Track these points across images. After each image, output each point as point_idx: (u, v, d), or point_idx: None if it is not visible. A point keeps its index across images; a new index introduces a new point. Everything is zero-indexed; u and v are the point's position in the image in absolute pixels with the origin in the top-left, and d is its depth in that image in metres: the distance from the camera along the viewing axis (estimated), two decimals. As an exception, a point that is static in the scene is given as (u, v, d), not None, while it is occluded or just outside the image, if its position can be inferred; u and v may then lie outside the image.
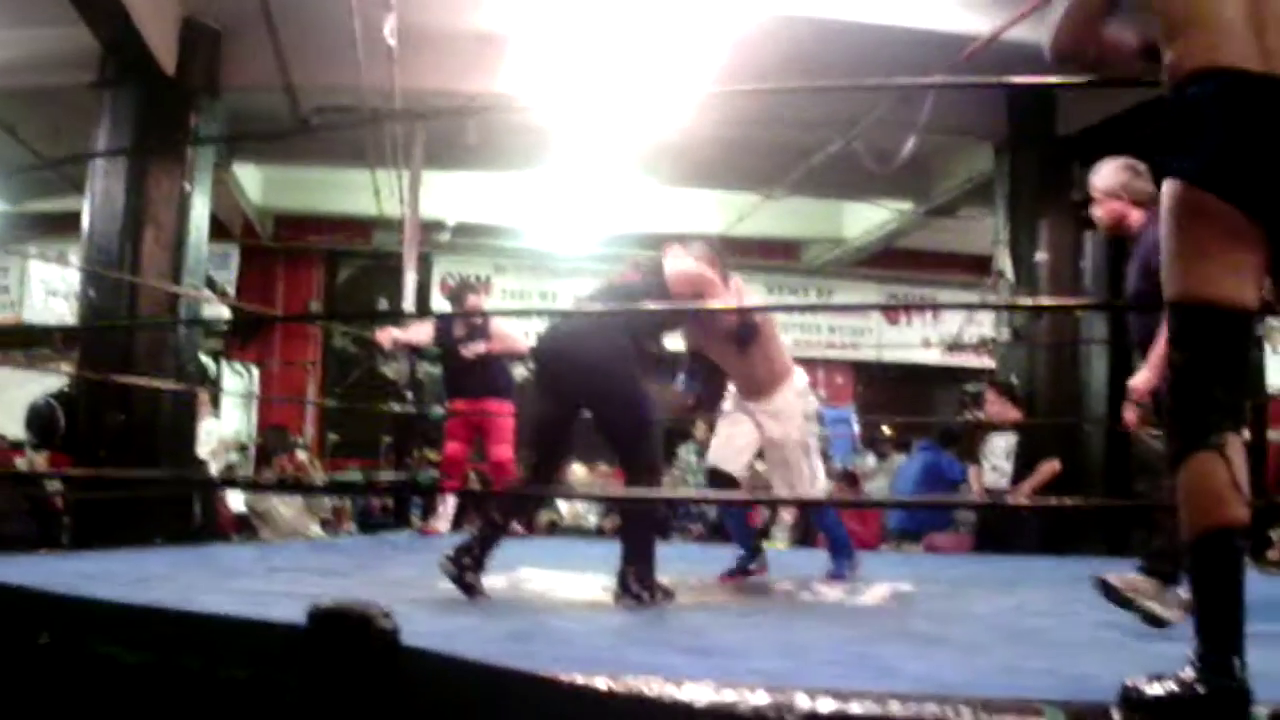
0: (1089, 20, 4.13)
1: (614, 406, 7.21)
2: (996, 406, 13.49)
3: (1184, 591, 5.76)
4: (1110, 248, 14.59)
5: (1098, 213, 6.73)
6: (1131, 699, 3.54)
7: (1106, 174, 6.67)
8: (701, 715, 3.40)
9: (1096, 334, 14.51)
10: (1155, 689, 3.50)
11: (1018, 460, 12.87)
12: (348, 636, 3.61)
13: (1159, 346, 5.91)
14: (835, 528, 9.25)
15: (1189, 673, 3.50)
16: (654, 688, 3.48)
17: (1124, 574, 5.79)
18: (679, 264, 7.81)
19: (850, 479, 16.70)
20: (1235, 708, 3.42)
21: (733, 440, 8.54)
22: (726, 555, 8.80)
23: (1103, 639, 5.63)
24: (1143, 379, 6.29)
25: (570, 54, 13.35)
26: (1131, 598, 5.77)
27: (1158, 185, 6.03)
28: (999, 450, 13.24)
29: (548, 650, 4.64)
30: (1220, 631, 3.47)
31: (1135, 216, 6.53)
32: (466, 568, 6.99)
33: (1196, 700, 3.44)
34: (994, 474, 13.17)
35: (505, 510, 7.43)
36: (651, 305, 7.37)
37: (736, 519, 9.46)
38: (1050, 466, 12.55)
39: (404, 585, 7.39)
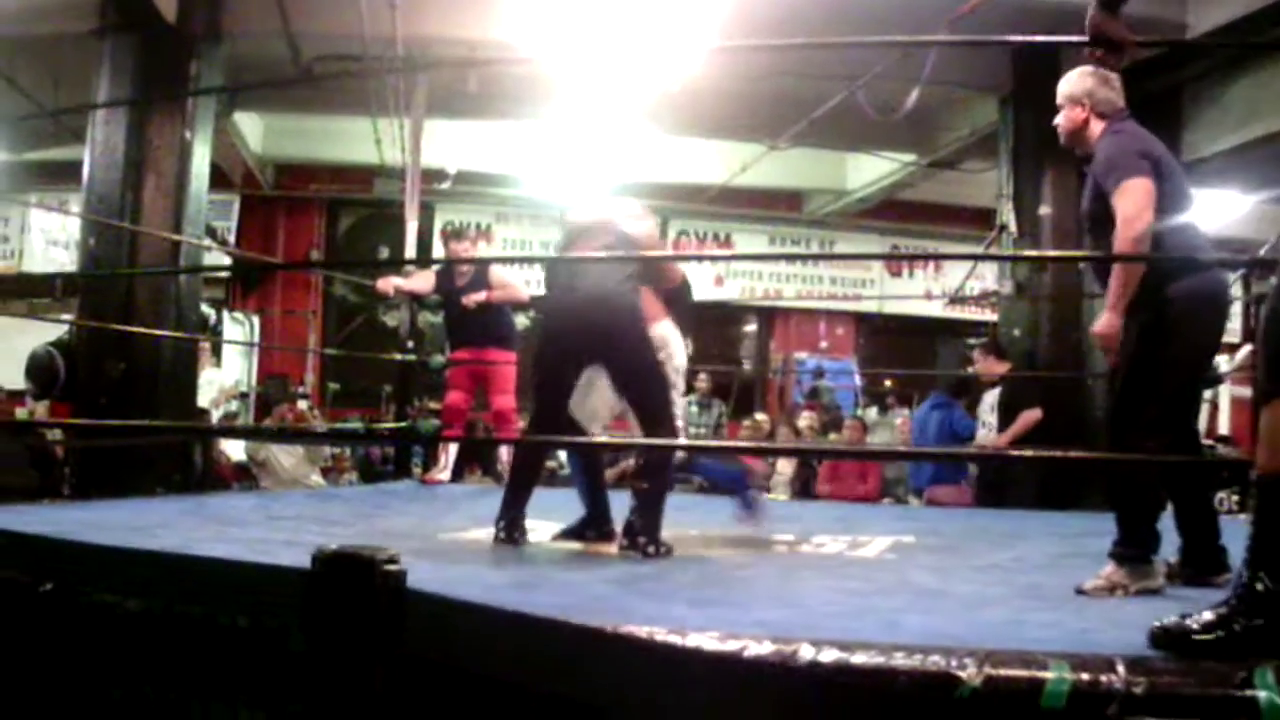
0: None
1: (635, 361, 7.31)
2: (983, 364, 13.48)
3: (1160, 562, 5.76)
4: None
5: (1059, 120, 6.40)
6: (1167, 637, 3.56)
7: (1074, 80, 6.31)
8: (705, 663, 3.39)
9: (1099, 287, 14.49)
10: (1192, 626, 3.53)
11: (1001, 411, 12.86)
12: (354, 580, 3.61)
13: (1118, 277, 5.81)
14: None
15: (1225, 609, 3.52)
16: (658, 635, 3.47)
17: (1099, 574, 5.69)
18: (645, 224, 7.86)
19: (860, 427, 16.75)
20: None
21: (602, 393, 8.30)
22: (730, 507, 8.74)
23: (1106, 590, 5.62)
24: (1105, 322, 5.91)
25: (572, 1, 13.30)
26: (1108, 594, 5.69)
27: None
28: (986, 405, 13.26)
29: (549, 599, 4.63)
30: None
31: (1096, 128, 6.19)
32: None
33: (1247, 630, 3.47)
34: (983, 429, 13.18)
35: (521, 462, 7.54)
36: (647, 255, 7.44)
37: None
38: (1031, 415, 12.49)
39: (405, 535, 7.38)
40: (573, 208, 8.26)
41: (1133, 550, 5.60)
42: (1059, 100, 6.37)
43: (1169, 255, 5.72)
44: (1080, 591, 5.50)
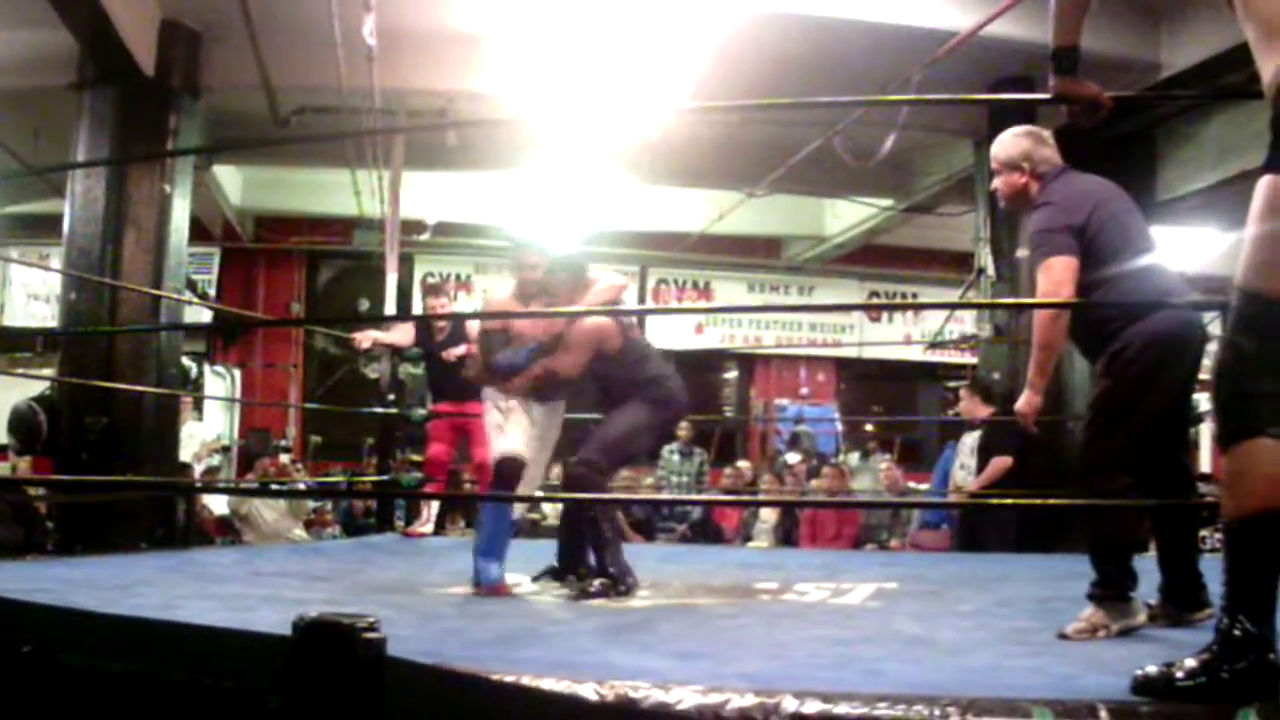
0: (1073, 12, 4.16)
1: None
2: (968, 404, 13.50)
3: (1139, 601, 5.77)
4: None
5: (997, 184, 6.34)
6: (1151, 686, 3.57)
7: (1009, 144, 6.27)
8: (689, 719, 3.40)
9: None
10: (1176, 673, 3.55)
11: (979, 456, 12.89)
12: (334, 648, 3.60)
13: (1034, 358, 6.01)
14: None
15: (1208, 655, 3.54)
16: (642, 692, 3.48)
17: (1079, 616, 5.69)
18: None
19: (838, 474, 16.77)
20: (1269, 677, 3.50)
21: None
22: (714, 555, 8.75)
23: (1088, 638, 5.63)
24: (1024, 401, 6.12)
25: (550, 53, 13.37)
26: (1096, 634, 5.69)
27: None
28: (966, 448, 13.28)
29: (534, 655, 4.64)
30: (1258, 605, 3.55)
31: (1035, 189, 6.19)
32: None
33: (1232, 675, 3.49)
34: (962, 472, 13.20)
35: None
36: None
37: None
38: (1001, 462, 12.52)
39: (388, 589, 7.38)
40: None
41: (1110, 590, 5.62)
42: (995, 166, 6.34)
43: (1136, 303, 5.78)
44: (1063, 636, 5.51)
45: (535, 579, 8.09)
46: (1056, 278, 5.78)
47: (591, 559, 7.79)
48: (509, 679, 3.67)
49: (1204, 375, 5.10)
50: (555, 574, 8.10)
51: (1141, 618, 5.63)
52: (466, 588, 7.68)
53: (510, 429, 7.58)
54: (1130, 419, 5.77)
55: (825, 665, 4.60)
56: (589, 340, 7.80)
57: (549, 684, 3.62)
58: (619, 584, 7.51)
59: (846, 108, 13.37)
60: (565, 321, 7.77)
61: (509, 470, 7.59)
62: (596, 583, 7.56)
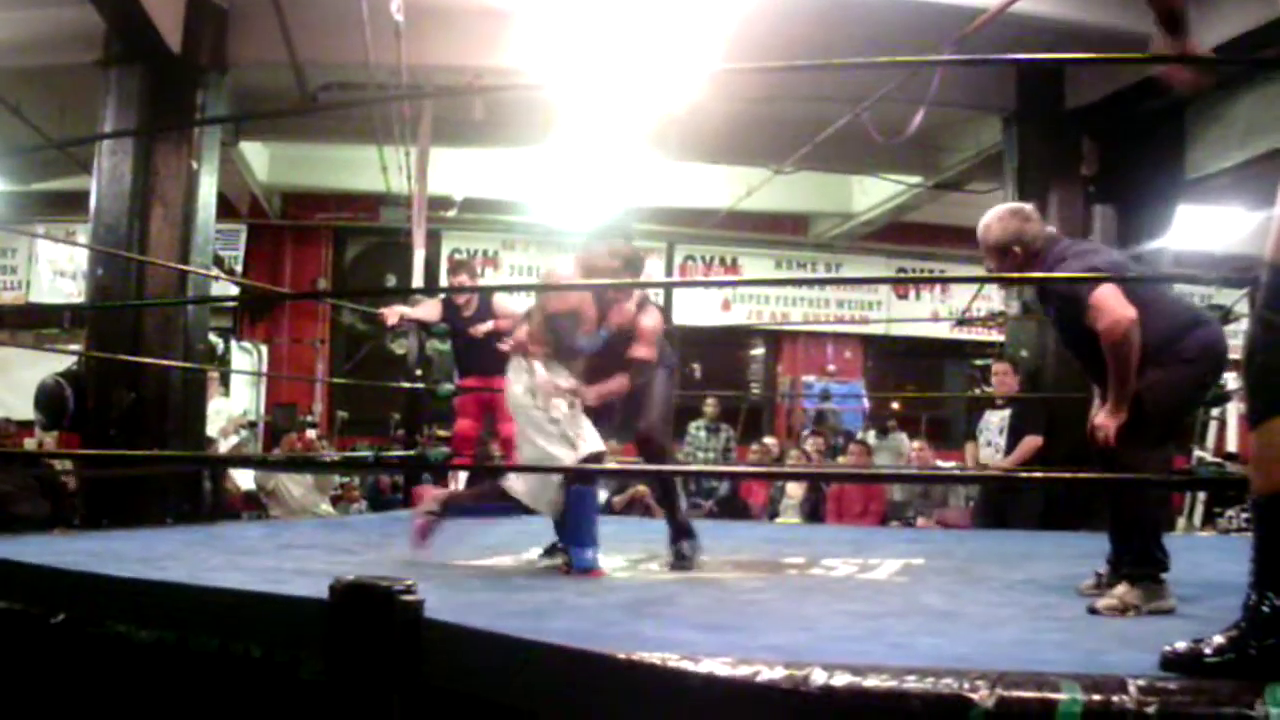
0: None
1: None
2: (1008, 380, 13.43)
3: (1170, 586, 5.78)
4: (1120, 221, 14.61)
5: (992, 265, 6.47)
6: (1179, 662, 3.56)
7: (996, 229, 6.32)
8: (718, 688, 3.40)
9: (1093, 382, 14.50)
10: (1204, 649, 3.53)
11: (1010, 436, 12.85)
12: (372, 609, 3.62)
13: (1114, 375, 5.85)
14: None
15: (1235, 632, 3.53)
16: (672, 661, 3.48)
17: (1111, 594, 5.72)
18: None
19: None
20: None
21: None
22: (741, 530, 8.76)
23: (1118, 611, 5.62)
24: (1110, 414, 5.93)
25: (576, 27, 13.34)
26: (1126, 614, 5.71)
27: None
28: (993, 426, 13.24)
29: (561, 625, 4.64)
30: None
31: (1034, 264, 6.24)
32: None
33: (1260, 651, 3.48)
34: (989, 449, 13.15)
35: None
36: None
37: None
38: (1033, 441, 12.50)
39: (415, 563, 7.38)
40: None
41: (1145, 570, 5.63)
42: (985, 251, 6.40)
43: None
44: (1093, 611, 5.52)
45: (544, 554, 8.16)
46: (1110, 302, 5.73)
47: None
48: (544, 641, 3.68)
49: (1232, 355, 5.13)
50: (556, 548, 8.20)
51: (1172, 602, 5.62)
52: (493, 560, 7.72)
53: (585, 430, 7.55)
54: (1174, 413, 6.07)
55: (854, 638, 4.59)
56: (658, 331, 8.07)
57: (582, 648, 3.63)
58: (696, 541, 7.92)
59: (876, 75, 13.31)
60: (629, 312, 7.89)
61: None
62: (685, 545, 7.87)
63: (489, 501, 8.07)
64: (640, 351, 7.93)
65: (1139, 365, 5.80)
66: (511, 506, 7.77)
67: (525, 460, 7.67)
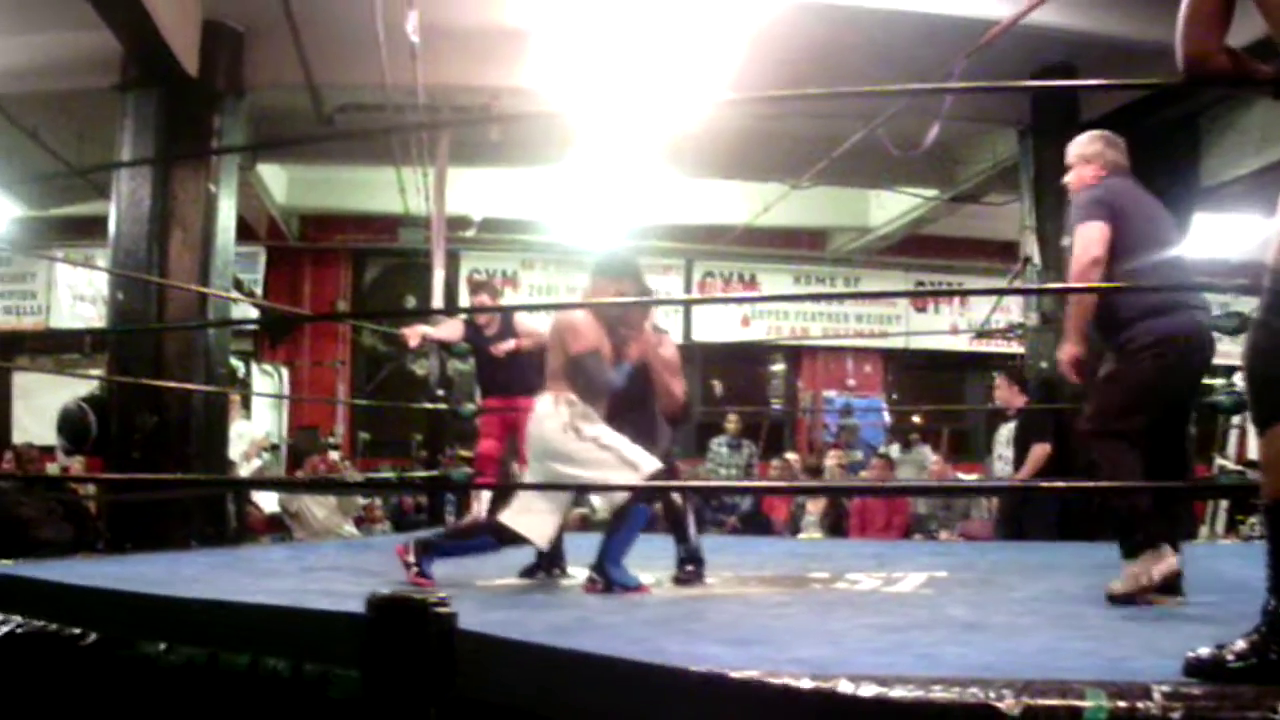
0: (1209, 22, 4.05)
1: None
2: (1004, 393, 13.50)
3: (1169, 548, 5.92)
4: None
5: (1069, 179, 6.92)
6: (1203, 668, 3.57)
7: (1084, 141, 6.93)
8: (747, 700, 3.42)
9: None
10: (1227, 655, 3.54)
11: (1016, 447, 12.89)
12: (408, 622, 3.66)
13: (1074, 309, 6.58)
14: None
15: (1256, 637, 3.54)
16: (704, 672, 3.50)
17: (1121, 574, 5.88)
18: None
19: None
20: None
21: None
22: (764, 545, 8.79)
23: (1139, 620, 5.63)
24: (1065, 350, 6.55)
25: (592, 47, 13.38)
26: (1138, 591, 5.86)
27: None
28: (1002, 439, 13.29)
29: (588, 642, 4.65)
30: None
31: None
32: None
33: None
34: (999, 463, 13.20)
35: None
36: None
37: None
38: (1041, 449, 12.54)
39: (442, 583, 7.39)
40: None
41: (1138, 540, 5.96)
42: (1069, 161, 7.05)
43: (1171, 286, 6.19)
44: (1111, 596, 5.91)
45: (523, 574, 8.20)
46: (1090, 236, 6.30)
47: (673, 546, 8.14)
48: (581, 651, 3.72)
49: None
50: (537, 568, 8.24)
51: (1176, 559, 5.95)
52: (517, 580, 7.78)
53: (631, 452, 7.54)
54: (1133, 405, 6.23)
55: (879, 650, 4.61)
56: (678, 359, 8.33)
57: (615, 659, 3.66)
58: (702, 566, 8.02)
59: (892, 98, 13.35)
60: (649, 340, 8.06)
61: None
62: (689, 568, 7.97)
63: (471, 539, 8.05)
64: (679, 387, 8.10)
65: (1109, 342, 6.39)
66: (496, 543, 7.79)
67: (560, 500, 7.66)
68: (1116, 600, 5.93)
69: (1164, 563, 5.82)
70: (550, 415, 7.56)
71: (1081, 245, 6.30)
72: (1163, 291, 6.33)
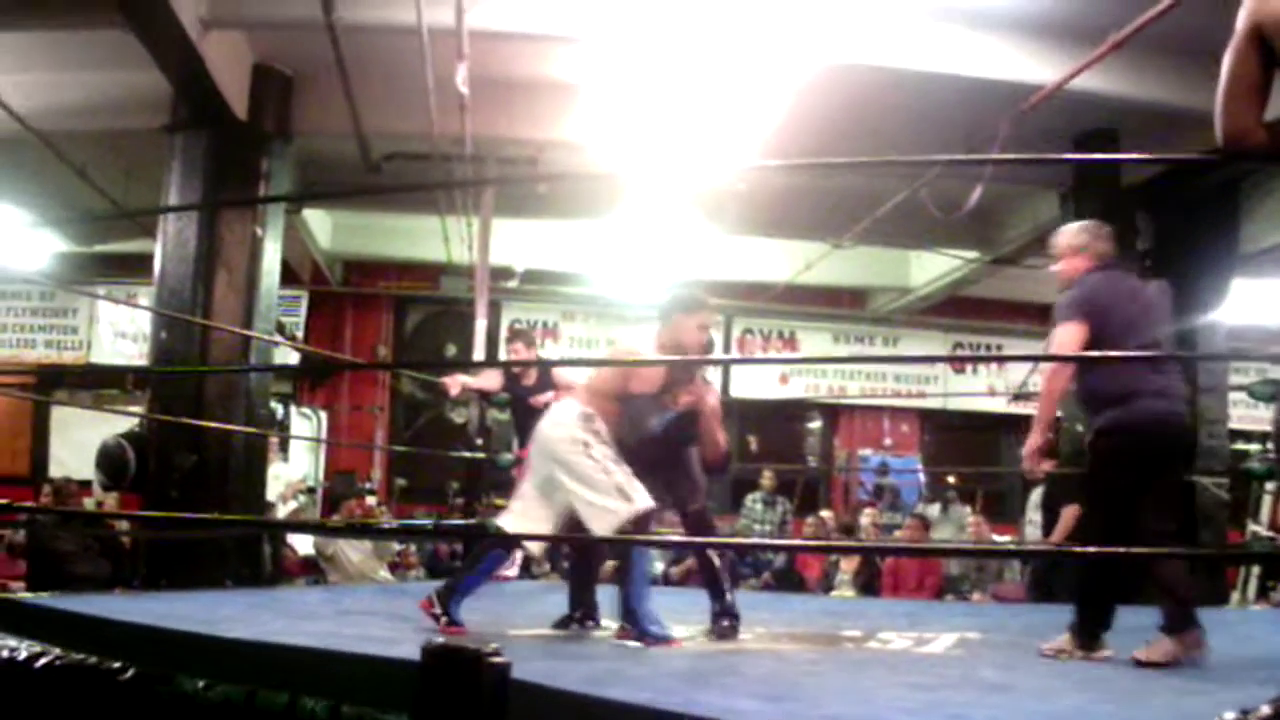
0: (1248, 97, 4.07)
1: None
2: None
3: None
4: (1175, 295, 14.63)
5: (1058, 267, 7.47)
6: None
7: (1069, 235, 7.49)
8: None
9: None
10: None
11: (1044, 511, 12.93)
12: (462, 671, 3.70)
13: (1042, 401, 7.15)
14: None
15: (1278, 700, 3.58)
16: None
17: (1152, 646, 6.06)
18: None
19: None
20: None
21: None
22: (797, 602, 8.80)
23: (1167, 683, 5.65)
24: (1031, 441, 7.15)
25: (638, 103, 13.46)
26: (1166, 663, 6.06)
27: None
28: (1032, 503, 13.33)
29: (621, 694, 4.68)
30: None
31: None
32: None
33: None
34: (1030, 527, 13.25)
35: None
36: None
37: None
38: (1072, 511, 12.54)
39: (476, 631, 7.43)
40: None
41: (1176, 624, 6.26)
42: (1056, 252, 7.69)
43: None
44: (1138, 662, 6.19)
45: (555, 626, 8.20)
46: (1064, 340, 6.88)
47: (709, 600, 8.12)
48: (631, 703, 3.76)
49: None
50: (570, 620, 8.24)
51: (1200, 650, 6.21)
52: (550, 630, 7.81)
53: (636, 485, 7.54)
54: (1104, 493, 6.90)
55: (910, 710, 4.64)
56: (719, 411, 8.36)
57: (661, 710, 3.70)
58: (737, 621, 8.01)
59: (933, 150, 13.42)
60: (700, 390, 8.12)
61: (647, 523, 7.63)
62: (725, 622, 7.96)
63: (481, 562, 8.04)
64: (722, 437, 8.19)
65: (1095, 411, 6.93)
66: (505, 552, 7.88)
67: (557, 504, 7.67)
68: (1144, 666, 6.02)
69: (1191, 636, 6.00)
70: (566, 424, 7.66)
71: (1056, 346, 6.93)
72: (1122, 380, 6.82)
